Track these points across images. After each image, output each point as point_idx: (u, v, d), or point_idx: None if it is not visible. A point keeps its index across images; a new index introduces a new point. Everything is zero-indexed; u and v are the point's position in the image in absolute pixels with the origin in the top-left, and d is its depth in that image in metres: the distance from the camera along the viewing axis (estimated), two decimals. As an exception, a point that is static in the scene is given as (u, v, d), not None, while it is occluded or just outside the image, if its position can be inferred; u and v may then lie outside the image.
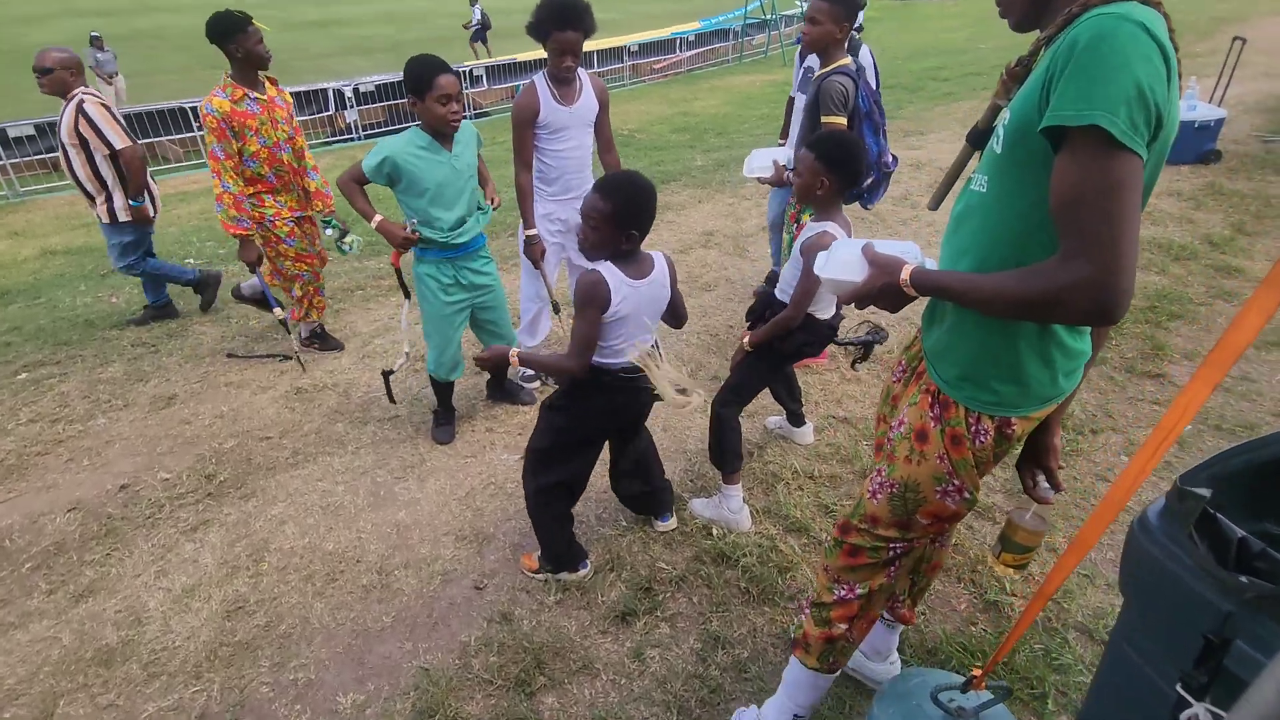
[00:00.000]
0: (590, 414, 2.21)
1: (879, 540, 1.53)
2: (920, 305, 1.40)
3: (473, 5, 18.03)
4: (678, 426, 3.24)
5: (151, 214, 4.12)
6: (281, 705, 2.07)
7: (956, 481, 1.39)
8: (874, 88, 3.52)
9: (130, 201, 3.97)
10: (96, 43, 12.99)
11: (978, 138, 1.53)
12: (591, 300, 1.92)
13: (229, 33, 3.29)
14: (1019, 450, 1.54)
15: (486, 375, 3.50)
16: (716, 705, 2.01)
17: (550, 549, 2.38)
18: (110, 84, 13.20)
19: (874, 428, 1.96)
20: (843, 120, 3.02)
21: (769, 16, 18.25)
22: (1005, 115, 1.21)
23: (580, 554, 2.42)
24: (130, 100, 13.01)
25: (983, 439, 1.35)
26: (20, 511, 2.86)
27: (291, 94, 3.79)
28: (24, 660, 2.23)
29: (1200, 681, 1.01)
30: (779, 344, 2.41)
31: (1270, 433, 1.22)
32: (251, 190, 3.52)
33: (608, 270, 1.94)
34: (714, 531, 2.60)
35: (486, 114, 13.66)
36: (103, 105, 3.85)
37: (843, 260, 1.39)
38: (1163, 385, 3.44)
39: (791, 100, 3.86)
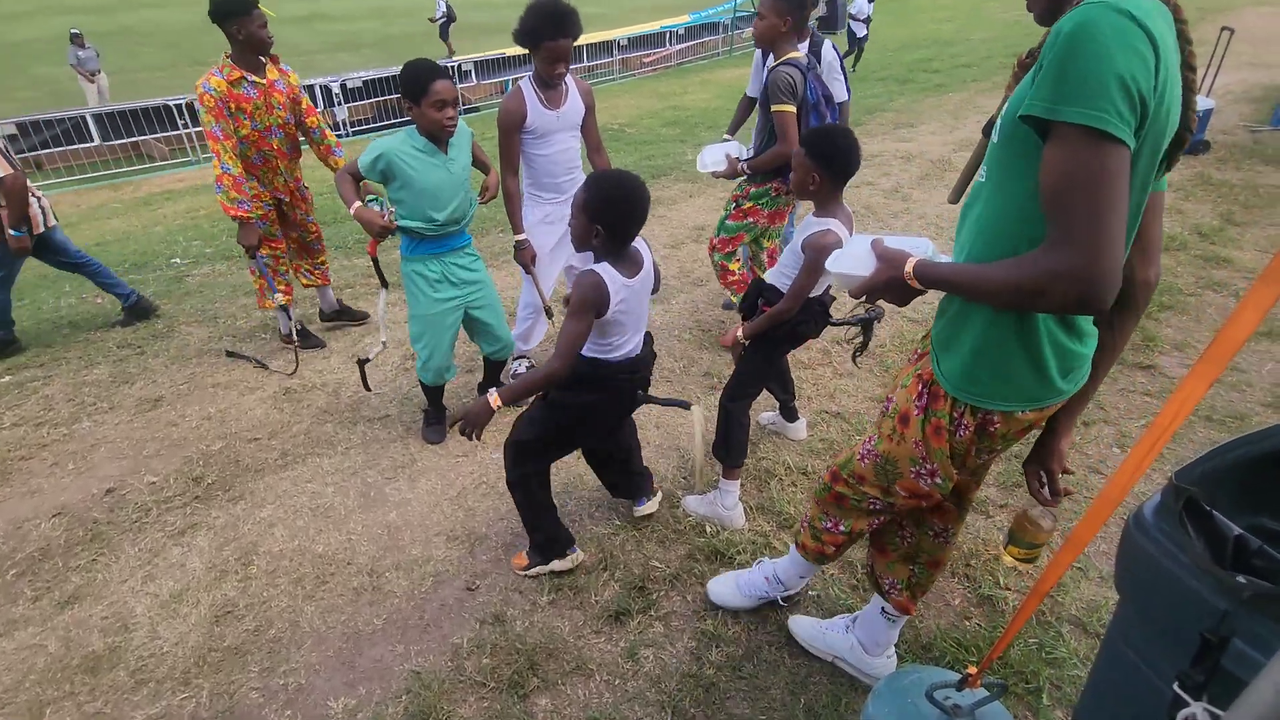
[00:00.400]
0: (591, 410, 2.19)
1: (861, 494, 1.68)
2: (932, 301, 1.40)
3: None
4: (670, 424, 3.23)
5: (30, 246, 3.89)
6: (271, 711, 2.04)
7: (930, 466, 1.47)
8: (844, 84, 3.67)
9: (11, 231, 3.77)
10: (77, 40, 12.83)
11: (992, 130, 1.54)
12: (591, 302, 1.91)
13: (232, 13, 3.22)
14: (1016, 449, 1.55)
15: (478, 373, 3.47)
16: (712, 704, 2.00)
17: (541, 532, 2.36)
18: (93, 82, 13.06)
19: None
20: (792, 108, 3.06)
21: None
22: (1005, 106, 1.22)
23: (568, 538, 2.41)
24: (114, 98, 12.87)
25: (963, 432, 1.40)
26: (4, 517, 2.82)
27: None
28: (9, 669, 2.19)
29: (1197, 680, 1.00)
30: (773, 330, 2.41)
31: (1263, 425, 1.21)
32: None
33: (606, 272, 1.93)
34: (707, 529, 2.59)
35: (476, 109, 13.63)
36: None
37: (852, 254, 1.42)
38: (1154, 376, 3.45)
39: (745, 99, 3.86)
